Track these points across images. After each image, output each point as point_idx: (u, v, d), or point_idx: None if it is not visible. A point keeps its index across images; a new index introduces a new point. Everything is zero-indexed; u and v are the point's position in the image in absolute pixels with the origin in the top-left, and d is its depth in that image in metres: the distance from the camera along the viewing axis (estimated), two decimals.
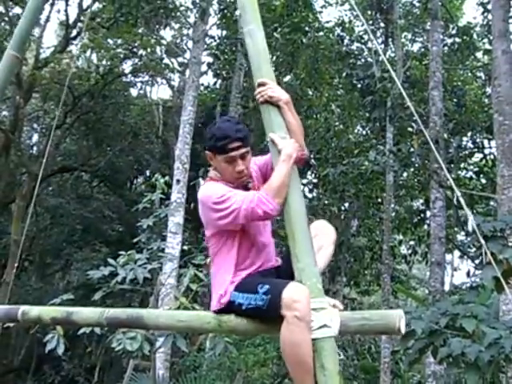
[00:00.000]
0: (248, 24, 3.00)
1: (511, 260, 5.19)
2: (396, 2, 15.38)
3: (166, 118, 20.56)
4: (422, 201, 17.26)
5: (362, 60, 17.14)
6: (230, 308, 2.76)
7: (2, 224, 19.08)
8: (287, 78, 17.29)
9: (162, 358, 9.73)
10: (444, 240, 11.04)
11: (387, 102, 12.98)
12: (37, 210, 18.98)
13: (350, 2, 14.73)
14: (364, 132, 19.58)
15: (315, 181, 18.46)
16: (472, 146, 14.65)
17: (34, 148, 22.00)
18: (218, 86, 18.93)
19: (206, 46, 15.28)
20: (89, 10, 16.69)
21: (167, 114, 20.47)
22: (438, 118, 11.15)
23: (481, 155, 14.82)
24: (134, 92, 22.04)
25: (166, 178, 7.71)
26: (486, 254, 4.82)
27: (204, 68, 16.52)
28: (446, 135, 12.00)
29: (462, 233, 16.14)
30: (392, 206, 15.10)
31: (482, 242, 3.73)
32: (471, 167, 16.23)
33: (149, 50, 17.09)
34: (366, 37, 16.75)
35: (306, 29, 16.16)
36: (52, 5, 17.46)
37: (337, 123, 18.90)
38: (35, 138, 22.64)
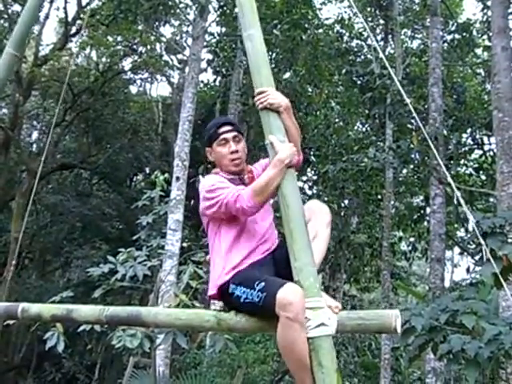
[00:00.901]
0: (248, 29, 3.04)
1: (511, 256, 5.20)
2: None
3: (165, 115, 20.59)
4: (421, 197, 17.26)
5: (362, 57, 17.14)
6: (229, 300, 2.82)
7: (1, 222, 19.07)
8: (287, 75, 17.26)
9: (162, 355, 9.74)
10: (444, 236, 11.05)
11: (387, 99, 12.97)
12: (37, 207, 18.99)
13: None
14: (364, 129, 19.59)
15: (315, 178, 18.47)
16: (472, 142, 14.65)
17: (34, 145, 21.98)
18: (217, 83, 18.92)
19: (205, 43, 15.26)
20: (88, 7, 16.67)
21: (167, 111, 20.49)
22: (437, 115, 11.15)
23: (480, 152, 14.82)
24: (133, 89, 22.11)
25: (166, 175, 7.70)
26: (485, 251, 4.83)
27: (203, 65, 16.53)
28: (445, 132, 11.99)
29: (462, 229, 16.16)
30: (392, 202, 15.11)
31: (482, 242, 3.74)
32: (471, 164, 16.24)
33: (148, 47, 17.11)
34: (365, 33, 16.75)
35: (306, 26, 16.13)
36: (51, 2, 17.46)
37: (336, 120, 18.90)
38: (35, 135, 22.68)
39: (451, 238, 15.91)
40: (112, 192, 21.30)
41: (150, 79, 21.75)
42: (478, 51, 16.99)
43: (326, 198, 16.89)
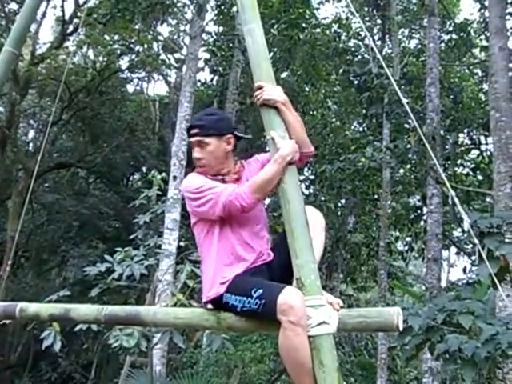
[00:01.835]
0: (248, 23, 3.03)
1: (508, 256, 5.21)
2: None
3: (162, 114, 20.56)
4: (418, 197, 17.28)
5: (359, 56, 17.15)
6: (224, 309, 2.77)
7: None
8: (284, 75, 17.28)
9: (158, 354, 9.75)
10: (441, 236, 11.07)
11: (384, 99, 12.99)
12: (33, 206, 18.95)
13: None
14: (361, 128, 19.60)
15: (312, 177, 18.47)
16: (469, 142, 14.68)
17: (31, 144, 21.94)
18: (214, 82, 18.90)
19: (202, 42, 15.25)
20: (85, 6, 16.63)
21: (164, 110, 20.46)
22: (434, 115, 11.16)
23: (477, 152, 14.86)
24: (130, 88, 22.05)
25: (163, 174, 7.70)
26: (481, 251, 4.84)
27: (201, 64, 16.53)
28: (442, 132, 12.01)
29: (459, 229, 16.16)
30: (389, 202, 15.12)
31: (477, 242, 3.75)
32: (468, 163, 16.27)
33: (146, 45, 17.06)
34: (362, 33, 16.76)
35: (303, 25, 16.16)
36: (48, 0, 17.41)
37: (333, 119, 18.93)
38: (31, 134, 22.62)
39: (448, 238, 15.95)
40: (109, 191, 21.26)
41: (147, 78, 21.71)
42: (476, 51, 17.02)
43: (323, 198, 16.92)
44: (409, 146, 11.89)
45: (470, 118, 13.72)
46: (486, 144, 13.92)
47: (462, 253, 17.79)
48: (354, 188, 16.18)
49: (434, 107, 11.27)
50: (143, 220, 7.15)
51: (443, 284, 14.07)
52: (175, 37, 18.23)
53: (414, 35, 17.63)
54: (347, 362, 14.97)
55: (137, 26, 15.51)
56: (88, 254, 16.78)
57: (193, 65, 12.53)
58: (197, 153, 3.05)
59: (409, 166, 13.90)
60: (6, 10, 16.35)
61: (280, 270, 2.75)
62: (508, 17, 8.72)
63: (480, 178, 15.90)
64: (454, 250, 19.82)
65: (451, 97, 14.47)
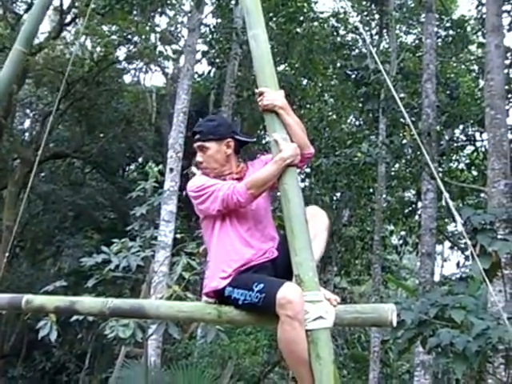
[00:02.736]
0: (253, 28, 3.09)
1: (500, 252, 5.28)
2: None
3: (159, 106, 20.53)
4: (413, 192, 17.38)
5: (356, 51, 17.18)
6: (226, 301, 2.87)
7: None
8: (281, 68, 17.28)
9: (153, 345, 9.80)
10: (435, 231, 11.14)
11: (380, 94, 13.02)
12: (29, 196, 18.92)
13: None
14: (357, 123, 19.65)
15: (308, 171, 18.50)
16: (464, 138, 14.74)
17: (26, 134, 21.90)
18: (212, 74, 18.90)
19: (200, 35, 15.24)
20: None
21: (161, 101, 20.43)
22: (430, 111, 11.21)
23: (472, 148, 14.91)
24: (127, 79, 22.00)
25: (160, 166, 7.72)
26: (473, 250, 4.90)
27: (198, 56, 16.49)
28: (438, 127, 12.05)
29: (453, 224, 16.27)
30: (384, 196, 15.20)
31: (469, 242, 3.81)
32: (463, 159, 16.34)
33: (143, 37, 17.03)
34: (360, 28, 16.76)
35: (301, 19, 16.17)
36: None
37: (330, 113, 18.96)
38: (27, 123, 22.56)
39: (442, 233, 16.03)
40: (105, 182, 21.27)
41: (144, 69, 21.67)
42: (472, 48, 17.06)
43: (318, 191, 16.98)
44: (404, 141, 11.95)
45: (466, 114, 13.77)
46: (481, 140, 13.99)
47: (455, 247, 17.89)
48: (350, 182, 16.24)
49: (430, 103, 11.32)
50: (140, 212, 7.16)
51: (436, 278, 14.14)
52: (173, 28, 18.20)
53: (411, 31, 17.66)
54: (340, 355, 15.09)
55: (135, 18, 15.49)
56: (83, 245, 16.80)
57: (191, 57, 12.53)
58: (199, 157, 3.17)
59: (404, 160, 13.96)
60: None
61: (284, 267, 2.83)
62: (504, 15, 8.75)
63: (475, 173, 15.98)
64: (447, 244, 19.94)
65: (447, 93, 14.50)
